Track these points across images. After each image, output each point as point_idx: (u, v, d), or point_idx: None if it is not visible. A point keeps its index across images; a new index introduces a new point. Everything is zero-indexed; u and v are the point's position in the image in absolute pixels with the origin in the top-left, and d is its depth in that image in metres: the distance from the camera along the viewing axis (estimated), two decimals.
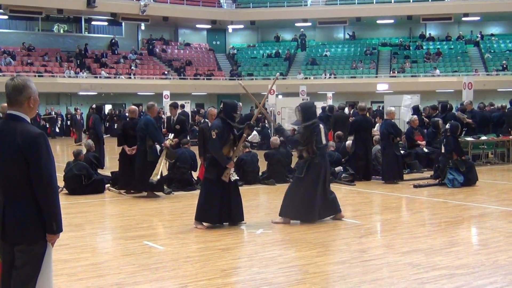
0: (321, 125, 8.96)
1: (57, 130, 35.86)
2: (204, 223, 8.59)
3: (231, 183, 8.53)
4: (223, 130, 8.46)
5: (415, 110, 18.86)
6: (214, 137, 8.42)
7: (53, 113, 35.59)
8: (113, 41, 42.33)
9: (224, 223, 8.64)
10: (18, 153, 3.93)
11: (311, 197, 8.73)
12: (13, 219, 3.96)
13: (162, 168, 11.30)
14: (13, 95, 4.02)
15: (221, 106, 8.84)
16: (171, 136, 12.02)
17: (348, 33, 46.36)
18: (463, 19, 42.22)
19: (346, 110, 20.82)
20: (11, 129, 3.98)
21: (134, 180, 11.87)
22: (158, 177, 11.19)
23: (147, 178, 11.17)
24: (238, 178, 8.61)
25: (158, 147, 11.54)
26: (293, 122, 10.07)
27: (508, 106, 19.21)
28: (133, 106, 13.22)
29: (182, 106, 25.13)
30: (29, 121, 4.07)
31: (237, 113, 8.64)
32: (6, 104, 4.11)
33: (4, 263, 4.11)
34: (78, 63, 39.07)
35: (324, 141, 8.87)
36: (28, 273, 3.99)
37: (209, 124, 11.57)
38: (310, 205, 8.69)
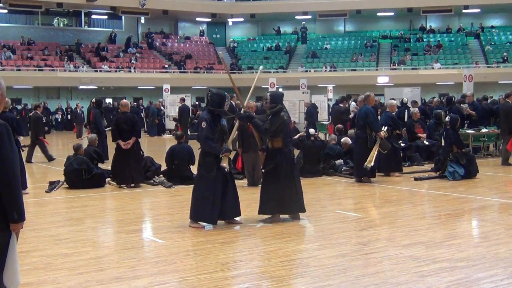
0: None
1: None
2: (200, 223, 8.10)
3: (226, 177, 8.06)
4: (212, 121, 7.97)
5: (402, 103, 18.50)
6: (204, 127, 7.93)
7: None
8: (113, 34, 42.26)
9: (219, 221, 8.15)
10: None
11: None
12: None
13: (373, 155, 11.98)
14: None
15: (209, 96, 8.23)
16: (384, 128, 12.58)
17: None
18: (464, 11, 42.16)
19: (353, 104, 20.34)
20: None
21: (134, 173, 12.01)
22: (372, 163, 11.94)
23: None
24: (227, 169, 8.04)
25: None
26: None
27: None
28: (125, 100, 13.07)
29: (183, 100, 25.18)
30: None
31: (225, 103, 8.05)
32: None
33: None
34: (77, 57, 39.00)
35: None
36: None
37: None
38: None
